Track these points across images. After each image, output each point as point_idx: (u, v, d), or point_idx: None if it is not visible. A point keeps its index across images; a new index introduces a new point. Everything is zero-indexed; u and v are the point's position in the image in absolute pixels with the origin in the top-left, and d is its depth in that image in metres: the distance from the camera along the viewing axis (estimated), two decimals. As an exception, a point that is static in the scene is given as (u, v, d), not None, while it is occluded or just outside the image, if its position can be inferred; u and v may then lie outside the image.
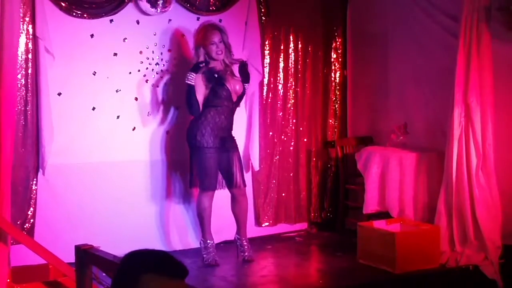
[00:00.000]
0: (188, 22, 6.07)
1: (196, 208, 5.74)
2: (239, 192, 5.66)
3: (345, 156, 6.80)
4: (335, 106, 7.01)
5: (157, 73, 6.00)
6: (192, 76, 5.48)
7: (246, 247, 5.71)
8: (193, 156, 5.59)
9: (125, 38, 5.86)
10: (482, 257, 5.49)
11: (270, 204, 6.60)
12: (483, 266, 5.45)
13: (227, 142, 5.60)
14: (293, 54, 6.72)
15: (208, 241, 5.60)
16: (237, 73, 5.69)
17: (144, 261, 2.02)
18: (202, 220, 5.59)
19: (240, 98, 5.72)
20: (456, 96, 5.56)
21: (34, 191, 5.51)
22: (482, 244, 5.49)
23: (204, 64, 5.51)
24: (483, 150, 5.55)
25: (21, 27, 5.30)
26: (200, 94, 5.52)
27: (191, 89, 5.49)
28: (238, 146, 5.83)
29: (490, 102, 5.57)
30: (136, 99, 5.94)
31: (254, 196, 6.52)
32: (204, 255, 5.59)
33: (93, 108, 5.76)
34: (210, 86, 5.51)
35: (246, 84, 5.72)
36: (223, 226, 5.96)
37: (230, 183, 5.62)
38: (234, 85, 5.61)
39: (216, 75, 5.54)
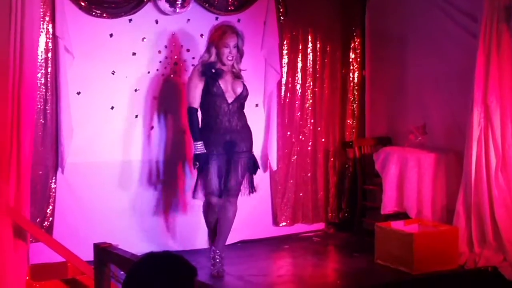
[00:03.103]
0: (207, 22, 6.06)
1: (203, 215, 5.53)
2: (227, 199, 5.32)
3: (363, 156, 6.78)
4: (353, 106, 7.00)
5: (175, 73, 6.02)
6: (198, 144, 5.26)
7: (217, 260, 5.31)
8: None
9: (144, 38, 5.88)
10: (501, 258, 5.46)
11: (288, 204, 6.60)
12: (502, 268, 5.41)
13: (234, 147, 5.31)
14: (311, 54, 6.72)
15: (217, 251, 5.34)
16: (243, 78, 5.41)
17: (160, 264, 2.09)
18: (209, 227, 5.47)
19: (239, 98, 5.33)
20: (476, 97, 5.53)
21: (53, 190, 5.54)
22: (501, 245, 5.46)
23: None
24: (503, 151, 5.52)
25: (41, 26, 5.33)
26: (198, 88, 5.27)
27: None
28: (256, 146, 5.70)
29: (510, 103, 5.54)
30: (155, 98, 5.96)
31: (272, 196, 6.53)
32: (212, 266, 5.34)
33: (112, 107, 5.79)
34: (204, 79, 5.26)
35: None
36: (238, 226, 5.91)
37: (224, 188, 5.32)
38: (234, 86, 5.31)
39: (213, 70, 5.28)
